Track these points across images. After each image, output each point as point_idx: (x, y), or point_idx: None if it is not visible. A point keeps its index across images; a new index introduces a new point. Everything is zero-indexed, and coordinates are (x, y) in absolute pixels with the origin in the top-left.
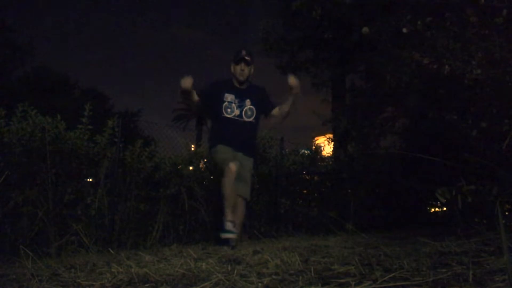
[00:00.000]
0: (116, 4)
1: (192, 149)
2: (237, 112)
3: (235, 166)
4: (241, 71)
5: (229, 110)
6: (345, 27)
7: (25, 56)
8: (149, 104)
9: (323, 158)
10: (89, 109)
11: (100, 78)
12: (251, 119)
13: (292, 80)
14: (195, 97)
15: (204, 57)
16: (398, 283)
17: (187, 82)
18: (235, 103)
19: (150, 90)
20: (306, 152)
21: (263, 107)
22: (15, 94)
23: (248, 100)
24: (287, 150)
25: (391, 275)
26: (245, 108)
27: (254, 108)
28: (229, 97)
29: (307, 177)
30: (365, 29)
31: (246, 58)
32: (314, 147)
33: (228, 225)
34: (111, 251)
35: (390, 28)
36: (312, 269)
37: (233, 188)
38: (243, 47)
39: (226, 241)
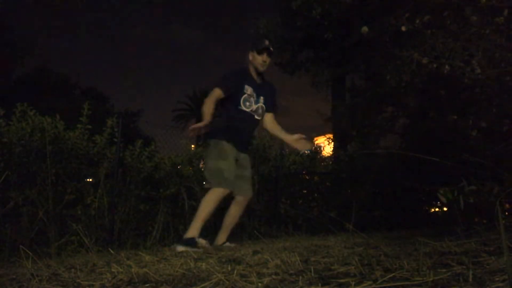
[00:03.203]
0: (116, 4)
1: (192, 149)
2: (254, 107)
3: (228, 191)
4: (263, 62)
5: (247, 103)
6: (345, 27)
7: (25, 56)
8: (149, 104)
9: (323, 158)
10: (88, 109)
11: (100, 78)
12: (260, 118)
13: (302, 146)
14: (209, 115)
15: (203, 57)
16: (398, 283)
17: (190, 134)
18: (253, 97)
19: (150, 90)
20: (306, 152)
21: (268, 106)
22: (15, 94)
23: (262, 97)
24: (287, 150)
25: (391, 275)
26: (259, 104)
27: (264, 107)
28: (249, 89)
29: (307, 177)
30: (364, 29)
31: (270, 48)
32: (314, 147)
33: (201, 242)
34: (111, 251)
35: (390, 27)
36: (312, 269)
37: (214, 208)
38: (263, 37)
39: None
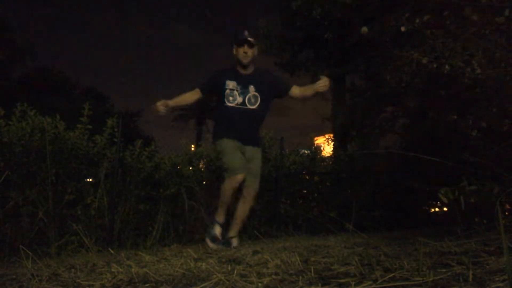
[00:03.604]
0: (115, 3)
1: (192, 149)
2: (240, 99)
3: (241, 177)
4: (244, 53)
5: (231, 98)
6: (345, 27)
7: (25, 56)
8: (149, 104)
9: (323, 158)
10: (88, 109)
11: (100, 78)
12: (254, 107)
13: (323, 84)
14: (180, 101)
15: (203, 57)
16: (398, 283)
17: (159, 108)
18: (237, 90)
19: (150, 90)
20: (306, 152)
21: (276, 91)
22: (15, 94)
23: (251, 86)
24: (287, 150)
25: (391, 275)
26: (249, 95)
27: (258, 95)
28: (230, 84)
29: (307, 177)
30: (364, 29)
31: (249, 39)
32: (314, 147)
33: (216, 229)
34: (111, 251)
35: (390, 27)
36: (312, 269)
37: (232, 194)
38: (244, 28)
39: (228, 243)
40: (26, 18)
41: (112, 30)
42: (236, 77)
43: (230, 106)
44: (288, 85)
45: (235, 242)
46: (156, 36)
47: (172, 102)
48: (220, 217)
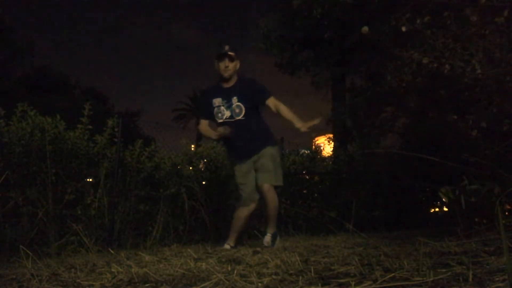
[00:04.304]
0: (115, 3)
1: (192, 149)
2: (227, 113)
3: (254, 206)
4: (225, 67)
5: (219, 114)
6: (345, 27)
7: (25, 56)
8: (149, 104)
9: (323, 158)
10: (88, 109)
11: (100, 78)
12: (241, 117)
13: (309, 124)
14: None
15: (203, 56)
16: (398, 283)
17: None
18: (223, 105)
19: (150, 90)
20: (306, 152)
21: (256, 98)
22: (15, 94)
23: (235, 97)
24: (287, 150)
25: (391, 275)
26: (233, 106)
27: (241, 104)
28: (216, 101)
29: (307, 177)
30: (364, 29)
31: (230, 53)
32: (314, 147)
33: (225, 246)
34: (111, 251)
35: (390, 28)
36: (312, 269)
37: (245, 223)
38: (226, 42)
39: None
40: (26, 18)
41: (112, 30)
42: (220, 93)
43: (221, 123)
44: (266, 95)
45: (267, 240)
46: (156, 36)
47: (214, 135)
48: (232, 242)
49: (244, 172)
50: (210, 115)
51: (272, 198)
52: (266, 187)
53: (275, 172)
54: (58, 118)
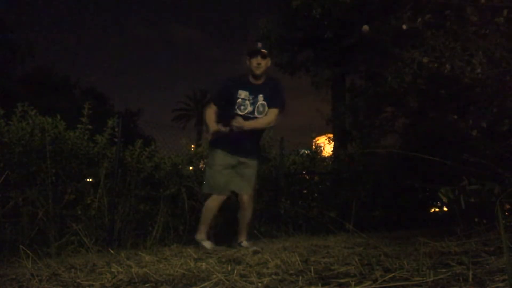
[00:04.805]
0: (115, 3)
1: (192, 149)
2: (250, 109)
3: (223, 198)
4: (257, 64)
5: (242, 107)
6: (345, 27)
7: (25, 56)
8: (149, 104)
9: (323, 158)
10: (88, 109)
11: (100, 78)
12: (262, 115)
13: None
14: (213, 121)
15: (203, 56)
16: (398, 283)
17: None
18: (249, 100)
19: (150, 90)
20: (306, 152)
21: (268, 102)
22: (15, 94)
23: (261, 95)
24: (287, 150)
25: (391, 275)
26: (258, 104)
27: (265, 104)
28: (243, 93)
29: (307, 177)
30: (365, 27)
31: (262, 50)
32: (314, 147)
33: (205, 245)
34: (111, 251)
35: (390, 27)
36: (312, 269)
37: (215, 213)
38: (258, 40)
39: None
40: (26, 18)
41: (111, 30)
42: (248, 87)
43: (240, 115)
44: (276, 103)
45: (245, 244)
46: (156, 36)
47: (212, 128)
48: (202, 235)
49: (227, 163)
50: (226, 103)
51: (250, 207)
52: (247, 197)
53: (252, 184)
54: (58, 118)
